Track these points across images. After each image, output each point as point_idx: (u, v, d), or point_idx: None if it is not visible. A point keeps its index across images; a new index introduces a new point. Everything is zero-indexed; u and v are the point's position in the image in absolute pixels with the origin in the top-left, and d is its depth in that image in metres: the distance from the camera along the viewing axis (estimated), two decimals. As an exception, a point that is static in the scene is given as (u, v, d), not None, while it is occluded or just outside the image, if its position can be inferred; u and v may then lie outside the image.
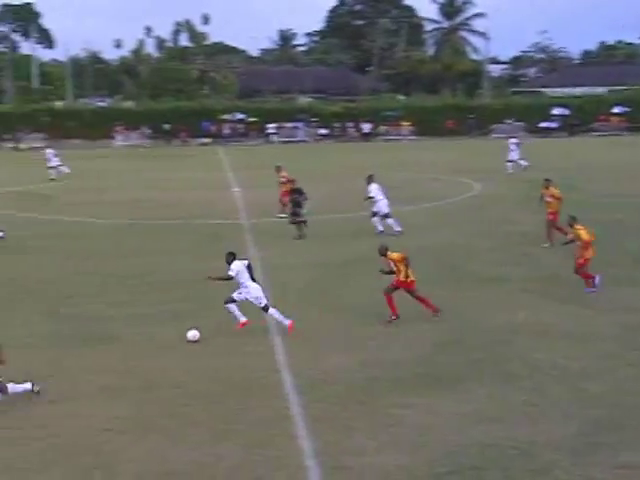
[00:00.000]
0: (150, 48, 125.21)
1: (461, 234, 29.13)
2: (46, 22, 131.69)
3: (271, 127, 79.93)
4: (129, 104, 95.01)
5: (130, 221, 33.23)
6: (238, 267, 17.95)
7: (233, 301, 18.11)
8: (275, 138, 79.43)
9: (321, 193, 35.29)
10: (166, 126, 78.16)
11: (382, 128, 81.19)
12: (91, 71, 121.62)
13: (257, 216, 33.55)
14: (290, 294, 21.33)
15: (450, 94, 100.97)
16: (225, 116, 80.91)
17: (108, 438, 12.84)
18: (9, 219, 34.63)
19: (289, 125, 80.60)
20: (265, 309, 18.03)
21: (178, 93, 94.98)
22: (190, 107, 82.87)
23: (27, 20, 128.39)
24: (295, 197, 29.19)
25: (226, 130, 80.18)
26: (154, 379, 15.36)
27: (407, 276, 18.67)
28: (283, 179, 32.69)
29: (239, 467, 11.84)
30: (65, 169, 49.38)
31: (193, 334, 17.66)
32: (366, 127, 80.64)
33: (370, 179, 29.94)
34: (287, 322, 18.01)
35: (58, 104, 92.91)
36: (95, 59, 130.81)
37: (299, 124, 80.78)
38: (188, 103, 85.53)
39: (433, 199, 37.93)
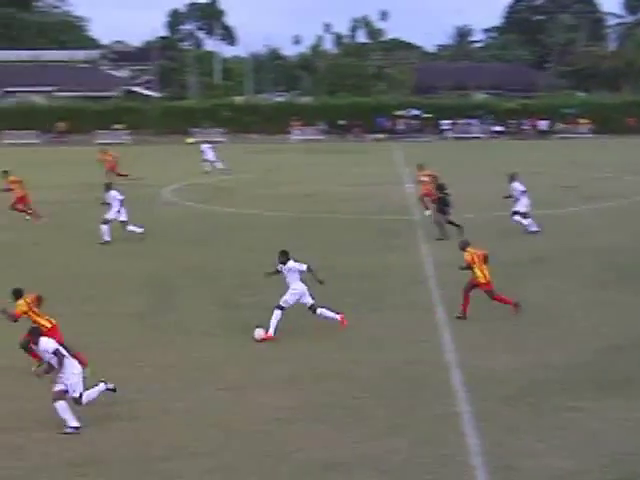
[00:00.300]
0: (328, 44, 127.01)
1: (637, 235, 28.23)
2: (229, 20, 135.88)
3: (445, 123, 79.48)
4: (306, 99, 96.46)
5: (305, 215, 33.84)
6: (290, 266, 17.82)
7: (282, 308, 17.80)
8: (449, 134, 78.95)
9: (493, 190, 34.82)
10: (341, 121, 78.96)
11: (559, 126, 79.31)
12: (270, 67, 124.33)
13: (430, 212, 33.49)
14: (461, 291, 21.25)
15: (632, 91, 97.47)
16: (400, 112, 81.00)
17: (278, 426, 13.18)
18: (191, 211, 35.95)
19: (463, 121, 79.92)
20: (278, 307, 17.76)
21: (354, 89, 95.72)
22: (365, 103, 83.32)
23: (211, 18, 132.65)
24: (441, 195, 28.82)
25: (400, 126, 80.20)
26: (326, 370, 15.64)
27: (485, 276, 18.69)
28: (425, 178, 32.51)
29: (407, 462, 11.92)
30: (219, 164, 50.68)
31: (259, 333, 17.63)
32: (543, 124, 78.98)
33: (512, 178, 29.45)
34: (270, 332, 17.52)
35: (238, 99, 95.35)
36: (274, 55, 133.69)
37: (473, 121, 79.96)
38: (363, 99, 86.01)
39: (610, 199, 36.81)
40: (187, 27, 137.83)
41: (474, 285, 18.88)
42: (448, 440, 12.55)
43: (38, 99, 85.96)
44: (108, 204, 28.80)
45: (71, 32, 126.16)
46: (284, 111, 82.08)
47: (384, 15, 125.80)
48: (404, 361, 16.10)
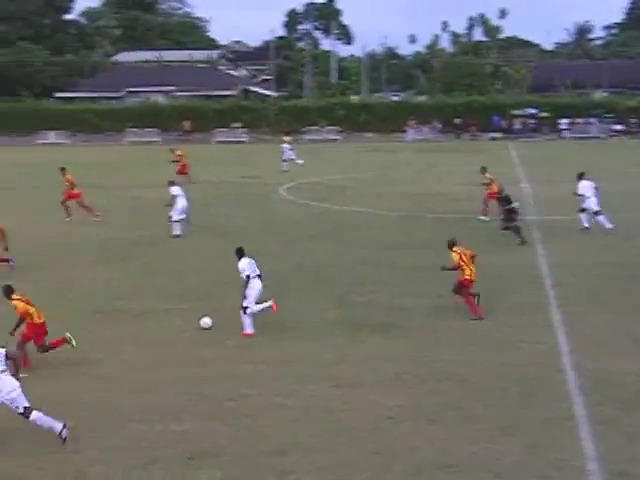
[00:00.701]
0: (444, 43, 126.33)
1: None
2: (346, 19, 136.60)
3: (563, 122, 77.97)
4: (421, 99, 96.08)
5: (417, 214, 33.76)
6: (246, 265, 18.08)
7: (246, 309, 18.02)
8: (567, 134, 77.40)
9: (615, 190, 34.21)
10: (457, 120, 78.38)
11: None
12: (386, 66, 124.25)
13: (545, 213, 33.02)
14: (578, 293, 20.92)
15: None
16: (516, 111, 79.89)
17: (390, 425, 13.21)
18: (305, 209, 36.27)
19: (582, 120, 78.25)
20: (244, 310, 17.96)
21: (470, 88, 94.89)
22: (481, 102, 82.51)
23: (328, 18, 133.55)
24: (504, 205, 28.30)
25: (517, 125, 79.09)
26: (437, 370, 15.60)
27: (471, 274, 18.78)
28: (487, 181, 32.07)
29: (519, 464, 11.81)
30: (300, 161, 50.97)
31: (204, 321, 18.31)
32: (666, 123, 76.74)
33: (580, 176, 29.14)
34: (269, 303, 18.11)
35: (353, 98, 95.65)
36: (390, 54, 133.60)
37: (592, 119, 78.21)
38: (479, 97, 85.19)
39: None
40: (304, 27, 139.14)
41: (462, 284, 18.99)
42: (563, 444, 12.38)
43: (159, 98, 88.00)
44: (173, 197, 30.02)
45: (191, 33, 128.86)
46: (399, 110, 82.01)
47: (503, 13, 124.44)
48: (518, 362, 15.93)
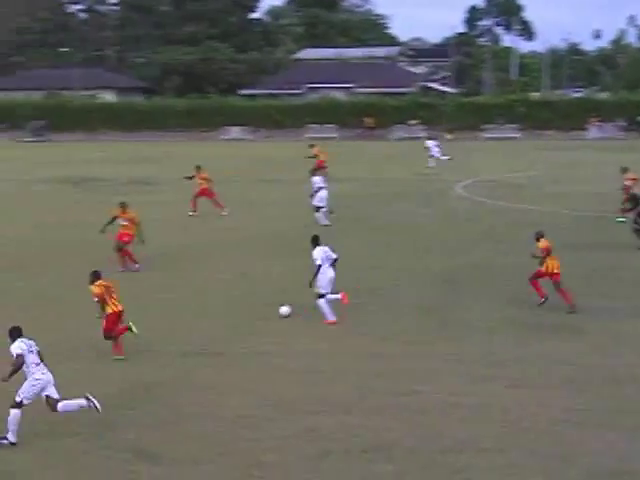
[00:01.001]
0: (631, 38, 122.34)
1: None
2: (527, 14, 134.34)
3: None
4: (604, 95, 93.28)
5: (593, 214, 32.95)
6: (319, 254, 18.36)
7: (323, 296, 18.32)
8: None
9: None
10: (639, 118, 75.68)
11: None
12: (568, 62, 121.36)
13: None
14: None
15: None
16: None
17: (565, 429, 12.97)
18: (481, 207, 35.98)
19: None
20: (321, 297, 18.29)
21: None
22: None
23: (510, 14, 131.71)
24: (634, 205, 26.88)
25: None
26: (618, 374, 15.22)
27: (548, 268, 19.14)
28: (629, 182, 30.35)
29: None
30: (445, 158, 50.28)
31: (285, 310, 18.79)
32: None
33: None
34: (339, 296, 18.33)
35: (534, 95, 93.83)
36: (573, 50, 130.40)
37: None
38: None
39: None
40: (485, 23, 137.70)
41: (538, 275, 19.45)
42: None
43: (338, 95, 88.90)
44: (314, 192, 31.37)
45: (372, 30, 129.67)
46: (581, 107, 79.83)
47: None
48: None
